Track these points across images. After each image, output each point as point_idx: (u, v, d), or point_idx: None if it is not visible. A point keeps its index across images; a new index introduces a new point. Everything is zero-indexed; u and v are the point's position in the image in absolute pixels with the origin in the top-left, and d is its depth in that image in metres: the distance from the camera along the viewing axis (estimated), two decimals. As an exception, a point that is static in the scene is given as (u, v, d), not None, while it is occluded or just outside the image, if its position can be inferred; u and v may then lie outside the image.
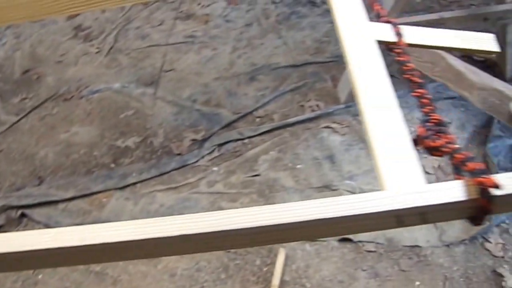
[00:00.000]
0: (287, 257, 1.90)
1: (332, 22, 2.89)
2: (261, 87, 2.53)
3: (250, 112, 2.42)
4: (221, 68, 2.66)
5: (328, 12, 2.92)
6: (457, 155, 0.73)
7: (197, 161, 2.27)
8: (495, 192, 0.66)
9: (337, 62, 2.59)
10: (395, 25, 0.98)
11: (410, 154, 0.76)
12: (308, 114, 2.35)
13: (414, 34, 0.96)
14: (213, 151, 2.30)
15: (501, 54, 2.38)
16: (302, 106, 2.42)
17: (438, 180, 2.09)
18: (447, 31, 0.97)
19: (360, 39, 0.94)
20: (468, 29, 2.36)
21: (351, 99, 2.39)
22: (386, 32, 0.97)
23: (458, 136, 2.24)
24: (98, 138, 2.42)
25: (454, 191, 0.68)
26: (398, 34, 0.97)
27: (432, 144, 0.78)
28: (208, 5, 3.06)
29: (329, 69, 2.55)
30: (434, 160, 2.15)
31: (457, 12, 2.14)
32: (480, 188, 0.66)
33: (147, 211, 2.10)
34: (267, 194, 2.11)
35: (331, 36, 2.75)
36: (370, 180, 2.12)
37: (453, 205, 0.68)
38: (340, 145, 2.25)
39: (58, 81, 2.73)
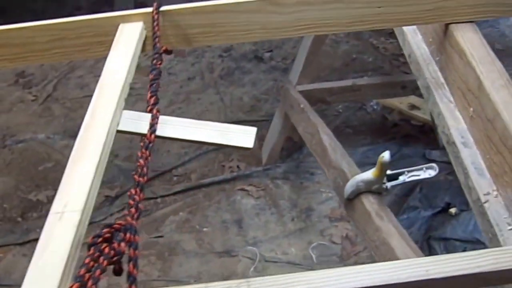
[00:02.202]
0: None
1: (275, 79, 3.09)
2: (186, 144, 2.70)
3: (169, 170, 2.57)
4: (151, 122, 2.85)
5: (273, 68, 3.12)
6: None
7: (105, 218, 2.42)
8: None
9: (270, 122, 2.75)
10: (153, 116, 0.97)
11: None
12: (224, 175, 2.50)
13: (170, 126, 0.98)
14: (123, 209, 2.45)
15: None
16: (223, 166, 2.57)
17: (343, 250, 2.18)
18: (209, 124, 0.99)
19: (101, 128, 0.93)
20: (388, 96, 2.49)
21: (273, 161, 2.54)
22: (139, 123, 0.98)
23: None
24: (12, 190, 2.60)
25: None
26: (152, 125, 0.96)
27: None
28: (155, 57, 3.30)
29: (259, 129, 2.71)
30: (344, 229, 2.26)
31: (372, 79, 2.29)
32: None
33: (40, 269, 2.24)
34: (166, 257, 2.23)
35: (271, 94, 2.93)
36: (274, 247, 2.22)
37: None
38: (251, 208, 2.37)
39: (-13, 128, 2.96)
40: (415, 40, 1.43)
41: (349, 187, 1.36)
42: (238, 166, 2.53)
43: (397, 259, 0.81)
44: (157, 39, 1.21)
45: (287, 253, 2.17)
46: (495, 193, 1.06)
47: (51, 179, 2.61)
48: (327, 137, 1.66)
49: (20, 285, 2.25)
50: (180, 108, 2.90)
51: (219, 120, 2.80)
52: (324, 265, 2.10)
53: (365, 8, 1.15)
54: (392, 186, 1.28)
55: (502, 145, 1.05)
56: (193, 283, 2.12)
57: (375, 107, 2.75)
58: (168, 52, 1.25)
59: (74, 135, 2.92)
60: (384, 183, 1.27)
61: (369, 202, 1.31)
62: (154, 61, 1.16)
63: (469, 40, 1.16)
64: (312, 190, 2.40)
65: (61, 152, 2.74)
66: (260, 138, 2.64)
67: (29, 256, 2.27)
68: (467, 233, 2.11)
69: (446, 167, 2.44)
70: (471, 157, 1.14)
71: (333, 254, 2.13)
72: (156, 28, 1.20)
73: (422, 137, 2.55)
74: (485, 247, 2.13)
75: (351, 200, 1.38)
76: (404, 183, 1.27)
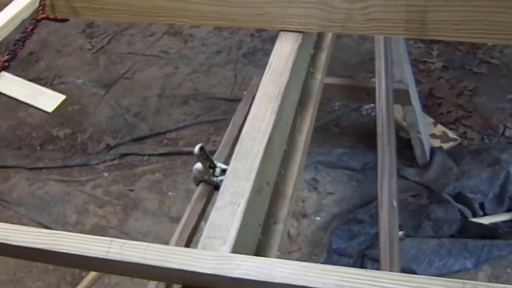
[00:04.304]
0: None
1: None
2: (188, 112, 2.53)
3: (163, 133, 2.44)
4: (169, 86, 2.71)
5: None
6: None
7: (98, 163, 2.36)
8: None
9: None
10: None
11: None
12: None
13: (3, 80, 0.98)
14: (115, 158, 2.37)
15: (415, 137, 2.09)
16: (209, 139, 2.38)
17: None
18: (31, 85, 0.99)
19: None
20: (352, 100, 2.13)
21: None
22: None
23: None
24: (43, 122, 2.63)
25: None
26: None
27: None
28: (198, 26, 3.11)
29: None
30: (289, 225, 1.98)
31: (337, 80, 1.93)
32: None
33: (32, 194, 2.26)
34: (128, 210, 2.13)
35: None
36: (220, 226, 2.02)
37: None
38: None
39: (47, 67, 3.00)
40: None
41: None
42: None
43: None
44: (41, 7, 1.16)
45: (228, 234, 1.95)
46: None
47: (74, 120, 2.61)
48: (229, 132, 1.42)
49: (16, 204, 2.20)
50: (198, 77, 2.73)
51: (224, 95, 2.59)
52: (256, 254, 1.87)
53: (205, 4, 1.00)
54: (221, 181, 1.03)
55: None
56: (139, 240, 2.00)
57: (369, 110, 2.36)
58: (58, 20, 1.20)
59: (104, 85, 2.81)
60: (217, 176, 1.03)
61: (197, 191, 1.10)
62: (28, 25, 1.12)
63: (282, 49, 0.90)
64: (277, 180, 2.12)
65: (89, 98, 2.70)
66: (251, 120, 2.39)
67: (31, 181, 2.28)
68: (404, 261, 1.75)
69: (414, 187, 2.05)
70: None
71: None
72: (43, -4, 1.19)
73: (403, 152, 2.15)
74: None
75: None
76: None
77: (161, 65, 2.87)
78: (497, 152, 1.94)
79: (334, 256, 1.82)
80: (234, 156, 0.74)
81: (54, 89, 2.78)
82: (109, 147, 2.42)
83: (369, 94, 1.87)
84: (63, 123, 2.62)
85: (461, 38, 0.82)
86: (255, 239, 0.74)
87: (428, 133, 2.23)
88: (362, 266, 1.79)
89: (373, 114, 2.41)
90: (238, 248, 0.64)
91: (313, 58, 1.03)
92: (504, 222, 1.83)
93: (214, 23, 1.01)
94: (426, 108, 2.39)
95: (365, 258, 1.79)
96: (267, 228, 0.76)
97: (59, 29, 3.30)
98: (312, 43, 1.03)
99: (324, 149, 2.26)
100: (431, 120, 2.29)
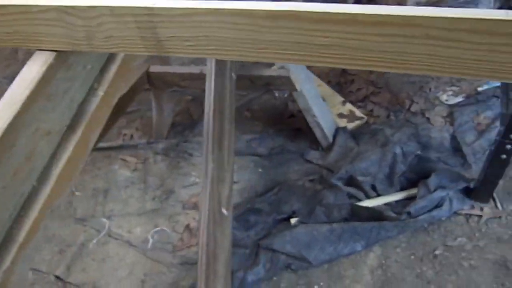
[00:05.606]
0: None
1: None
2: (101, 105, 2.47)
3: (75, 129, 2.38)
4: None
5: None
6: None
7: None
8: None
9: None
10: None
11: None
12: (112, 143, 2.26)
13: None
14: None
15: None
16: (120, 132, 2.33)
17: (181, 240, 1.91)
18: None
19: None
20: (238, 88, 2.07)
21: (161, 136, 2.25)
22: None
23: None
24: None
25: None
26: None
27: None
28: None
29: (177, 102, 2.40)
30: (191, 219, 1.97)
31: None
32: None
33: None
34: (35, 214, 2.10)
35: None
36: (124, 223, 2.00)
37: None
38: (124, 180, 2.14)
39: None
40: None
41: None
42: (132, 135, 2.27)
43: None
44: None
45: (131, 232, 1.95)
46: None
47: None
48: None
49: None
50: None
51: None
52: (156, 252, 1.86)
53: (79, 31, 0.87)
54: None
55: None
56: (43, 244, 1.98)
57: (281, 93, 2.31)
58: None
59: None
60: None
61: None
62: None
63: (29, 72, 0.83)
64: (184, 172, 2.11)
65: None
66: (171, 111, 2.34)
67: None
68: (296, 248, 1.75)
69: (316, 170, 2.02)
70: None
71: (169, 242, 1.88)
72: None
73: (310, 134, 2.11)
74: (310, 265, 1.75)
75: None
76: None
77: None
78: (390, 132, 1.90)
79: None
80: None
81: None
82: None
83: (253, 82, 1.82)
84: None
85: (196, 55, 0.76)
86: None
87: (336, 112, 2.19)
88: (257, 256, 1.78)
89: (285, 95, 2.36)
90: None
91: (102, 73, 0.97)
92: (397, 201, 1.81)
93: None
94: (338, 86, 2.34)
95: (260, 248, 1.78)
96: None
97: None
98: (94, 60, 0.96)
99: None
100: (341, 99, 2.24)
